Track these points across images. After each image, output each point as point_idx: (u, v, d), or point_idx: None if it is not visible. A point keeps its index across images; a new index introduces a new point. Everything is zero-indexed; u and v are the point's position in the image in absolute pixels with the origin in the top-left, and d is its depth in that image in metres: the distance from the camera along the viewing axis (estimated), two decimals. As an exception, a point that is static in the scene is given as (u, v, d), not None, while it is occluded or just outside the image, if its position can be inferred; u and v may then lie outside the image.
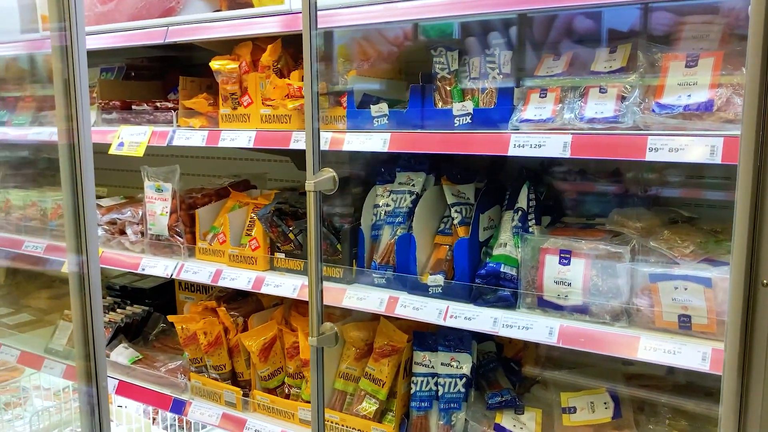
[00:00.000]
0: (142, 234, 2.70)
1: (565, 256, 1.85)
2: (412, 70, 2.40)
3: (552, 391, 2.19)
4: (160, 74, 3.06)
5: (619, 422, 1.97)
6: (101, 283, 3.44)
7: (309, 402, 2.36)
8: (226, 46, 2.48)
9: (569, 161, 2.31)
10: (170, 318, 2.65)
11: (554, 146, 1.75)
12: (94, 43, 2.56)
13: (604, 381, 2.13)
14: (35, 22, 2.86)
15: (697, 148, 1.57)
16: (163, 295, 3.25)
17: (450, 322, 1.96)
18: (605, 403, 2.03)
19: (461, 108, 1.94)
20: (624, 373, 2.18)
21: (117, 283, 3.38)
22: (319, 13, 1.98)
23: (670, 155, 1.60)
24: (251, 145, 2.26)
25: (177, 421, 3.42)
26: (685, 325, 1.70)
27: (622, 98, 1.74)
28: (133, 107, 2.67)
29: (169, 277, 2.56)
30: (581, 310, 1.82)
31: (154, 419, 3.45)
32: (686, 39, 1.81)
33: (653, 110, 1.68)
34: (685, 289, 1.67)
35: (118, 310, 3.16)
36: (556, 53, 1.96)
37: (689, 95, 1.65)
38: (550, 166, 2.31)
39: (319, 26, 1.98)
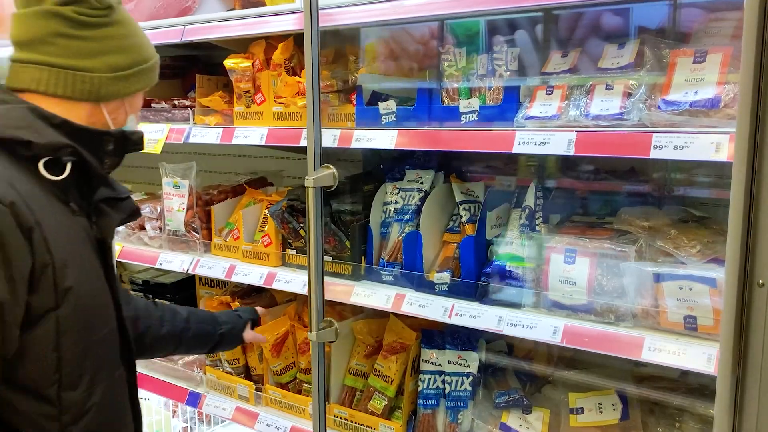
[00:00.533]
0: (161, 230, 2.75)
1: (570, 255, 1.83)
2: (426, 67, 2.40)
3: (562, 391, 2.17)
4: (182, 73, 3.11)
5: (626, 424, 1.94)
6: (125, 277, 3.53)
7: (319, 397, 2.38)
8: (243, 45, 2.52)
9: (583, 159, 2.29)
10: (186, 312, 2.69)
11: (558, 144, 1.73)
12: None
13: (616, 382, 2.10)
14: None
15: (701, 146, 1.53)
16: (185, 290, 3.30)
17: (455, 320, 1.95)
18: (613, 405, 2.01)
19: (467, 105, 1.93)
20: (636, 374, 2.15)
21: (140, 277, 3.44)
22: (326, 10, 2.00)
23: (675, 153, 1.57)
24: (263, 143, 2.29)
25: (197, 414, 3.48)
26: (690, 326, 1.66)
27: (629, 95, 1.72)
28: (153, 105, 2.73)
29: (185, 271, 2.61)
30: (586, 310, 1.80)
31: (174, 412, 3.51)
32: (697, 35, 1.78)
33: (659, 107, 1.65)
34: (690, 289, 1.64)
35: (140, 304, 3.22)
36: (564, 49, 1.94)
37: (696, 92, 1.62)
38: (562, 163, 2.29)
39: (326, 24, 2.01)
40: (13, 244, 1.23)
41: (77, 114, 1.41)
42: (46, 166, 1.34)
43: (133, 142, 1.48)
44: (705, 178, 2.07)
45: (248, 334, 2.16)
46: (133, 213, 1.58)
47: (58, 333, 1.31)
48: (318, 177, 1.67)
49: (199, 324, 2.01)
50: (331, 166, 1.69)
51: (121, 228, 2.89)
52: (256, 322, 2.22)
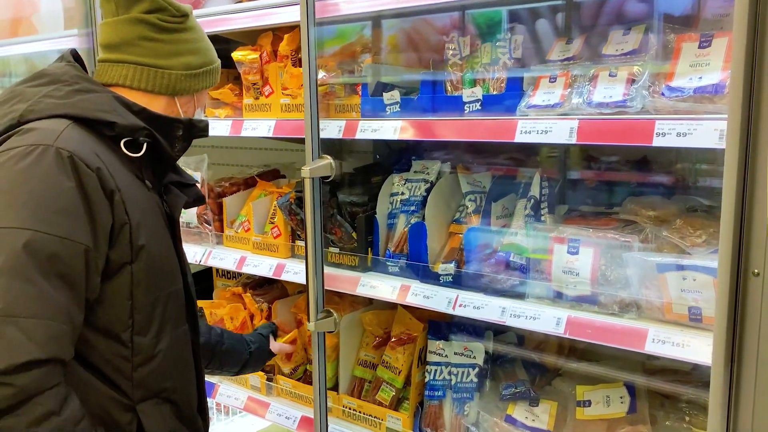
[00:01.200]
0: (175, 221, 2.78)
1: (574, 245, 1.80)
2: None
3: (573, 384, 2.14)
4: (197, 66, 3.13)
5: (633, 417, 1.91)
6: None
7: (328, 388, 2.39)
8: (252, 37, 2.53)
9: (594, 149, 2.25)
10: (199, 303, 2.72)
11: (560, 132, 1.70)
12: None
13: (626, 374, 2.07)
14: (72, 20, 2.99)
15: (705, 133, 1.49)
16: (203, 281, 3.33)
17: (459, 311, 1.94)
18: (621, 398, 1.98)
19: (471, 94, 1.91)
20: (648, 367, 2.11)
21: (159, 269, 3.49)
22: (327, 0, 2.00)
23: (678, 140, 1.53)
24: (271, 134, 2.30)
25: (215, 405, 3.52)
26: (695, 317, 1.63)
27: (632, 82, 1.68)
28: (166, 99, 2.75)
29: (198, 263, 2.64)
30: (589, 301, 1.77)
31: (193, 401, 3.55)
32: (704, 19, 1.74)
33: (663, 93, 1.62)
34: (694, 280, 1.60)
35: (158, 295, 3.27)
36: (569, 36, 1.91)
37: (700, 77, 1.58)
38: (572, 153, 2.26)
39: (329, 14, 2.00)
40: (98, 203, 1.42)
41: (156, 105, 1.63)
42: (126, 145, 1.54)
43: (200, 128, 1.68)
44: (719, 167, 2.02)
45: (275, 346, 2.31)
46: (199, 198, 1.82)
47: (131, 284, 1.50)
48: (314, 167, 1.68)
49: (231, 340, 2.15)
50: (328, 156, 1.69)
51: (137, 220, 2.94)
52: (275, 333, 2.37)
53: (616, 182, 2.23)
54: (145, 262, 1.52)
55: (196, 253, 2.64)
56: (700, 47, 1.62)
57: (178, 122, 1.63)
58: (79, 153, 1.42)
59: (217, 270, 3.18)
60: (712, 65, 1.58)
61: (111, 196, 1.45)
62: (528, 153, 2.30)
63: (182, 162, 2.71)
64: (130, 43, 1.60)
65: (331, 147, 2.03)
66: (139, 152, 1.55)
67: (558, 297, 1.83)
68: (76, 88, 1.53)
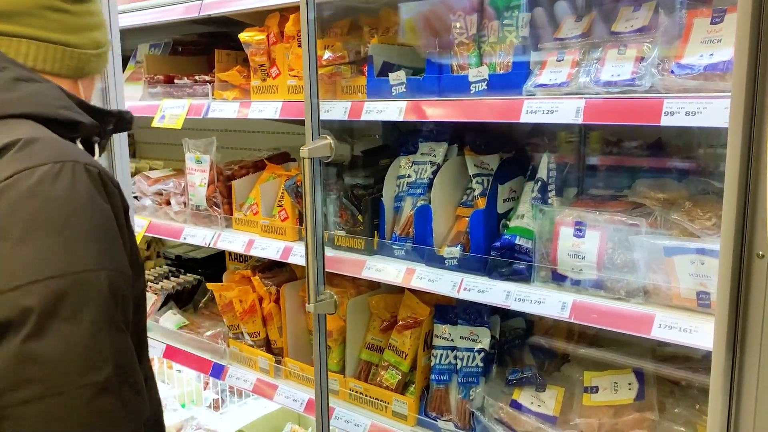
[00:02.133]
0: (185, 204, 2.79)
1: (580, 228, 1.76)
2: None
3: (581, 370, 2.11)
4: (207, 49, 3.12)
5: (640, 404, 1.87)
6: (159, 252, 3.60)
7: (335, 371, 2.39)
8: (261, 19, 2.50)
9: (607, 131, 2.20)
10: (209, 285, 2.74)
11: (567, 112, 1.66)
12: (135, 20, 2.66)
13: (636, 361, 2.03)
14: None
15: (715, 111, 1.45)
16: (215, 265, 3.36)
17: (463, 295, 1.92)
18: (629, 384, 1.94)
19: (477, 74, 1.87)
20: (659, 354, 2.07)
21: (173, 252, 3.52)
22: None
23: (687, 119, 1.48)
24: (277, 116, 2.28)
25: (228, 388, 3.55)
26: (704, 302, 1.58)
27: (641, 59, 1.63)
28: (176, 81, 2.75)
29: (207, 245, 2.64)
30: (596, 285, 1.74)
31: (206, 384, 3.59)
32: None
33: (672, 71, 1.56)
34: (702, 263, 1.56)
35: (171, 278, 3.30)
36: (579, 13, 1.86)
37: (711, 54, 1.52)
38: (583, 135, 2.21)
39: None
40: (122, 224, 1.20)
41: None
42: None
43: (128, 121, 1.40)
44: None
45: None
46: None
47: (138, 306, 1.28)
48: (313, 147, 1.65)
49: None
50: (327, 137, 1.67)
51: (148, 203, 2.95)
52: None
53: (629, 166, 2.17)
54: (140, 282, 1.32)
55: (205, 236, 2.64)
56: (712, 23, 1.56)
57: (110, 115, 1.35)
58: (100, 168, 1.18)
59: (230, 253, 3.19)
60: (724, 41, 1.52)
61: (126, 214, 1.23)
62: (542, 137, 2.25)
63: (192, 144, 2.72)
64: (28, 13, 1.25)
65: (341, 129, 2.01)
66: (94, 155, 1.28)
67: (564, 281, 1.79)
68: (11, 75, 1.20)
